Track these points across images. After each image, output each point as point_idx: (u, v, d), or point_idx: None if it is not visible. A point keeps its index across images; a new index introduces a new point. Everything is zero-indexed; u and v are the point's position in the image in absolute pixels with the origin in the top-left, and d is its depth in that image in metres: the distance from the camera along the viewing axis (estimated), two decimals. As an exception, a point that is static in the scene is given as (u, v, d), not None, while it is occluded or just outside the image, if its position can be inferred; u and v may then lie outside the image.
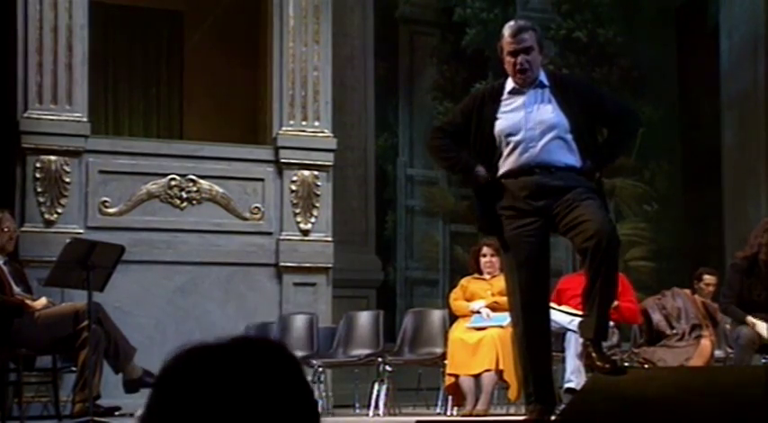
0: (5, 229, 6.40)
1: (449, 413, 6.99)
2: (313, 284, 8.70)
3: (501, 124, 4.28)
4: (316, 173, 8.79)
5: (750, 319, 6.54)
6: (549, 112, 4.26)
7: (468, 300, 7.01)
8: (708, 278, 8.15)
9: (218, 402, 1.12)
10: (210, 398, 1.12)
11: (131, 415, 5.85)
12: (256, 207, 8.65)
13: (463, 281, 7.19)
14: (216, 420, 1.11)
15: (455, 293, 7.14)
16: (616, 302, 6.60)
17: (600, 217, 4.17)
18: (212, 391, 1.12)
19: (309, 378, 7.61)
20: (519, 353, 4.43)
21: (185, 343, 1.19)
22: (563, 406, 4.70)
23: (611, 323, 5.88)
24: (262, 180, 8.71)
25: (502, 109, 4.31)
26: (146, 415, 1.14)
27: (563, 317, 6.50)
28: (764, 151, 11.09)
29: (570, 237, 4.30)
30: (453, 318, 7.14)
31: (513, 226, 4.27)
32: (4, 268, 6.30)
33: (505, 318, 6.04)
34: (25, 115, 8.04)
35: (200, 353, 1.16)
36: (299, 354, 7.72)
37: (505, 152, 4.26)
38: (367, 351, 7.54)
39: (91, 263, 5.93)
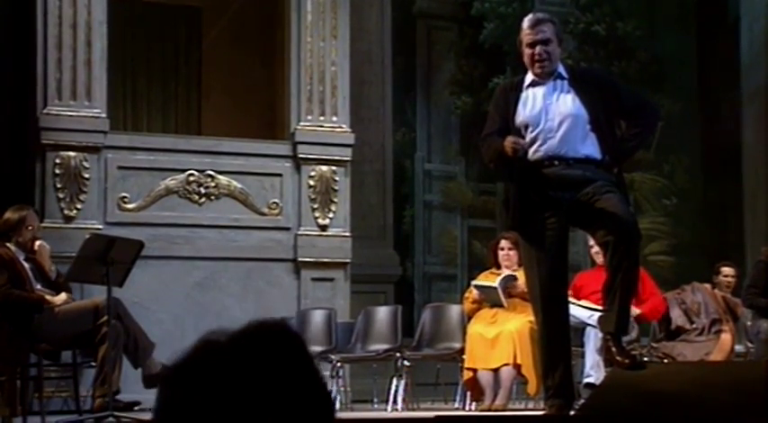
0: (29, 227, 6.41)
1: (467, 408, 6.98)
2: (331, 279, 8.70)
3: (521, 116, 4.26)
4: (333, 168, 8.78)
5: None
6: (568, 102, 4.24)
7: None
8: (726, 270, 8.01)
9: (227, 396, 1.12)
10: (220, 392, 1.12)
11: (151, 410, 5.87)
12: (274, 202, 8.66)
13: (480, 276, 7.16)
14: (227, 413, 1.11)
15: (469, 294, 7.10)
16: (638, 311, 6.58)
17: (622, 211, 4.15)
18: (221, 385, 1.12)
19: (327, 373, 7.66)
20: (539, 347, 4.42)
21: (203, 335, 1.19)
22: (582, 401, 4.69)
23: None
24: (280, 175, 8.71)
25: (522, 101, 4.29)
26: (157, 412, 1.15)
27: (582, 312, 6.48)
28: (785, 145, 11.01)
29: (591, 230, 4.28)
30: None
31: (532, 218, 4.25)
32: (25, 265, 6.33)
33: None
34: (44, 111, 8.07)
35: (209, 347, 1.16)
36: (318, 349, 7.73)
37: (525, 144, 4.23)
38: (385, 346, 7.54)
39: (110, 258, 5.95)
